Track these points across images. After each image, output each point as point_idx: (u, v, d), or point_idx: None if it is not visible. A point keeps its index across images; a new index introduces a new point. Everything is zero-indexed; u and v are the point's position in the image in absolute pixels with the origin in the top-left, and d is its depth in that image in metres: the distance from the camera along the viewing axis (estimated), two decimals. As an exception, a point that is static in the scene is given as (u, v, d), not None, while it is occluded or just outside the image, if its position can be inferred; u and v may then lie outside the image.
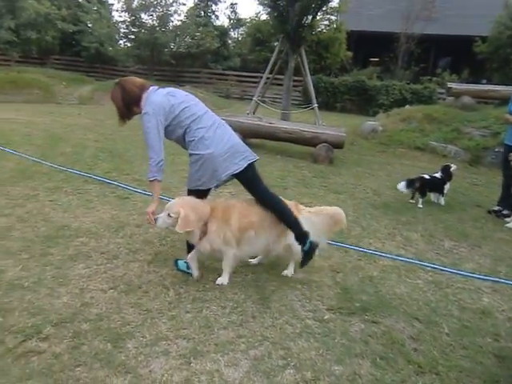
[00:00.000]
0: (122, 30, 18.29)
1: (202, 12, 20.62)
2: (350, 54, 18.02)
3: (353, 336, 2.63)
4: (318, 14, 9.13)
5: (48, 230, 3.77)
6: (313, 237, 3.17)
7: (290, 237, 3.18)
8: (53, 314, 2.59)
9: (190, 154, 3.10)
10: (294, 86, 11.49)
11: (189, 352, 2.35)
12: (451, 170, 5.54)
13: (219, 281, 3.14)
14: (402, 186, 5.58)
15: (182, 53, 18.05)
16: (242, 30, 22.18)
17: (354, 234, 4.40)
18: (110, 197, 4.75)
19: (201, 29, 18.66)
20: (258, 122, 7.68)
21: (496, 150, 7.89)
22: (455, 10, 18.03)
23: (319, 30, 14.97)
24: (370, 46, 17.61)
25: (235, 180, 3.33)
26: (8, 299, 2.72)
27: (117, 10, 18.16)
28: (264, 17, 19.19)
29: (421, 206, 5.42)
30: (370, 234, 4.41)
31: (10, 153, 6.09)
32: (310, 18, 8.75)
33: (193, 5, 20.70)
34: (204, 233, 3.00)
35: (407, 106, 11.25)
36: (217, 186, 3.24)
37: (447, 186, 5.54)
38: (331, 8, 14.27)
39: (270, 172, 6.53)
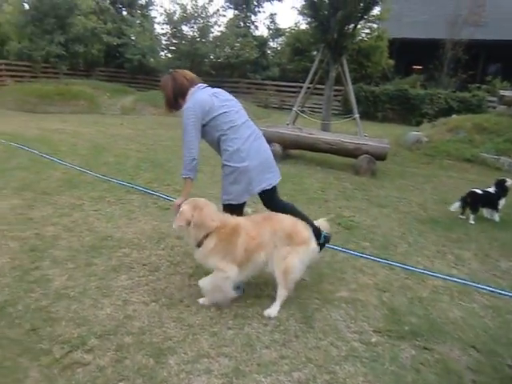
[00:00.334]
0: (164, 42, 18.77)
1: (242, 23, 20.83)
2: (391, 62, 17.59)
3: (403, 363, 2.47)
4: (360, 22, 8.92)
5: (92, 239, 3.85)
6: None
7: (295, 256, 2.89)
8: (97, 326, 2.61)
9: (224, 165, 3.06)
10: (334, 95, 11.32)
11: (231, 371, 2.30)
12: (507, 184, 5.18)
13: (202, 301, 2.95)
14: (456, 207, 5.25)
15: (222, 63, 18.29)
16: (280, 39, 22.23)
17: (401, 250, 4.20)
18: (152, 207, 4.80)
19: (240, 39, 18.85)
20: (298, 133, 7.58)
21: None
22: (506, 14, 17.29)
23: (360, 38, 14.73)
24: (412, 54, 17.12)
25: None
26: (55, 308, 2.78)
27: (159, 23, 18.70)
28: (303, 26, 19.22)
29: (472, 222, 5.10)
30: (418, 252, 4.20)
31: (58, 162, 6.31)
32: (351, 26, 8.60)
33: (233, 16, 20.99)
34: (199, 244, 2.84)
35: (454, 116, 10.79)
36: None
37: (502, 202, 5.19)
38: (372, 16, 14.00)
39: (311, 184, 6.41)
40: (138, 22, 19.72)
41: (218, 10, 17.71)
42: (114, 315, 2.75)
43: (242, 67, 19.16)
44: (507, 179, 5.26)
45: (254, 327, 2.74)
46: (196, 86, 3.09)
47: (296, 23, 20.49)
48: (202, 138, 3.10)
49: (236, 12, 21.68)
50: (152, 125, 11.56)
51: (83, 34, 15.64)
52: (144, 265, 3.47)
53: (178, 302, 2.95)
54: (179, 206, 2.90)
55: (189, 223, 2.79)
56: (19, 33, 15.19)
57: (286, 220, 3.00)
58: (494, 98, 12.34)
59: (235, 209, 3.12)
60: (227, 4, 21.51)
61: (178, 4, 16.89)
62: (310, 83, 9.26)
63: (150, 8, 22.97)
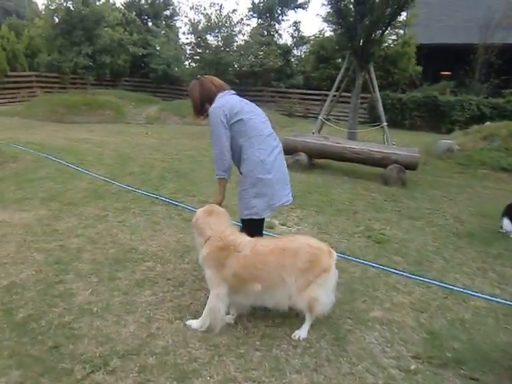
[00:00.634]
0: (188, 51, 18.94)
1: (266, 31, 20.84)
2: (419, 68, 17.17)
3: (447, 395, 2.27)
4: (387, 28, 8.71)
5: (116, 252, 3.78)
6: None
7: (316, 288, 2.65)
8: (120, 345, 2.52)
9: (246, 176, 2.92)
10: (360, 103, 11.11)
11: (259, 399, 2.15)
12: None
13: (189, 322, 2.78)
14: (508, 225, 4.82)
15: (246, 72, 18.30)
16: (305, 47, 22.13)
17: (436, 266, 3.97)
18: (176, 219, 4.71)
19: (264, 48, 18.83)
20: (325, 142, 7.41)
21: None
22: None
23: (386, 44, 14.45)
24: (441, 60, 16.62)
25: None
26: (78, 325, 2.70)
27: (183, 33, 18.94)
28: (328, 34, 19.08)
29: (513, 237, 4.80)
30: (456, 268, 3.95)
31: (84, 172, 6.33)
32: (378, 33, 8.40)
33: (256, 25, 21.04)
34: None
35: (488, 123, 10.36)
36: None
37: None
38: (399, 22, 13.73)
39: (338, 194, 6.22)
40: (162, 32, 20.01)
41: (241, 19, 17.76)
42: (137, 333, 2.65)
43: (265, 75, 19.14)
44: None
45: (283, 349, 2.59)
46: (224, 92, 3.02)
47: (320, 31, 20.40)
48: None
49: (260, 21, 21.74)
50: (176, 134, 11.59)
51: (110, 45, 15.94)
52: (168, 279, 3.37)
53: (204, 320, 2.83)
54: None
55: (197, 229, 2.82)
56: (49, 45, 15.63)
57: (303, 250, 2.66)
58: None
59: (256, 225, 3.03)
60: (251, 13, 21.60)
61: (202, 14, 17.01)
62: (336, 91, 9.09)
63: (175, 18, 23.34)
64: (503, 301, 3.33)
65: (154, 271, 3.49)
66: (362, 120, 14.19)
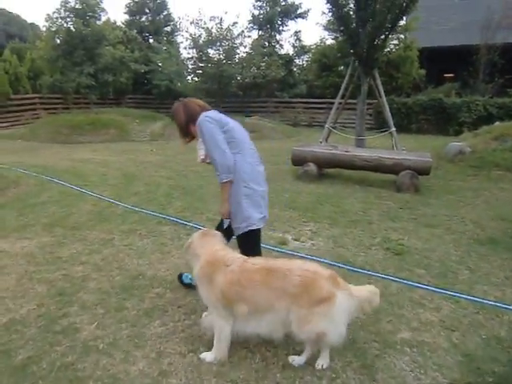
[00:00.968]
0: (190, 66, 18.97)
1: (267, 42, 20.86)
2: (422, 71, 17.01)
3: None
4: (391, 33, 8.55)
5: (123, 279, 3.58)
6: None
7: (322, 320, 2.31)
8: (128, 386, 2.30)
9: (240, 187, 2.81)
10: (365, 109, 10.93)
11: None
12: None
13: (203, 356, 2.56)
14: None
15: (248, 83, 18.26)
16: (306, 56, 22.08)
17: (462, 278, 3.73)
18: (185, 239, 4.43)
19: (266, 59, 18.82)
20: (334, 151, 7.21)
21: None
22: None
23: (388, 50, 14.34)
24: (443, 62, 16.51)
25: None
26: (82, 365, 2.50)
27: (185, 48, 18.98)
28: (329, 42, 19.04)
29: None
30: (483, 279, 3.71)
31: (88, 194, 6.17)
32: (381, 38, 8.24)
33: (257, 36, 21.04)
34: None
35: (497, 123, 10.10)
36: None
37: None
38: (400, 26, 13.62)
39: (351, 204, 5.99)
40: (164, 48, 20.10)
41: (242, 31, 17.80)
42: (147, 371, 2.44)
43: (269, 86, 19.10)
44: None
45: (307, 381, 2.37)
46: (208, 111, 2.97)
47: (321, 39, 20.36)
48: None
49: (260, 32, 21.76)
50: (181, 150, 11.44)
51: (112, 63, 15.98)
52: (179, 307, 3.16)
53: (218, 352, 2.61)
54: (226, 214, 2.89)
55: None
56: (51, 67, 15.69)
57: (294, 273, 2.35)
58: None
59: (253, 240, 2.96)
60: (251, 25, 21.63)
61: (202, 28, 17.03)
62: (342, 98, 8.91)
63: (176, 34, 23.46)
64: (542, 315, 3.08)
65: (163, 298, 3.29)
66: (369, 126, 14.00)
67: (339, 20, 8.43)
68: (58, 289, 3.39)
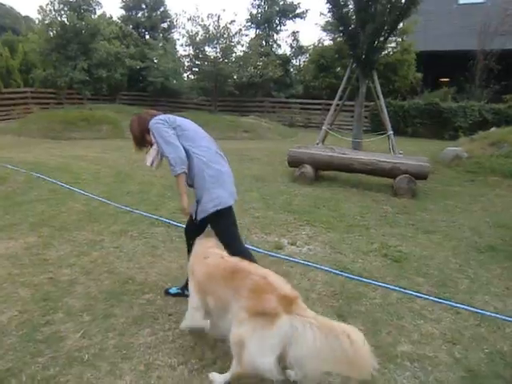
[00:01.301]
0: (186, 64, 18.77)
1: (264, 42, 20.72)
2: (419, 75, 16.98)
3: None
4: (390, 35, 8.44)
5: (112, 283, 3.43)
6: (306, 368, 2.05)
7: (249, 330, 2.10)
8: (114, 403, 2.15)
9: (204, 170, 2.80)
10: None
11: None
12: None
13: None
14: None
15: (245, 83, 18.12)
16: (304, 57, 21.99)
17: (462, 287, 3.62)
18: (177, 242, 4.36)
19: (263, 58, 18.68)
20: (331, 153, 7.09)
21: None
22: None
23: (385, 52, 14.27)
24: (440, 66, 16.49)
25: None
26: (65, 378, 2.35)
27: (181, 45, 18.76)
28: (327, 43, 18.94)
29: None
30: (483, 288, 3.61)
31: (79, 193, 5.99)
32: (381, 40, 8.13)
33: (255, 35, 20.90)
34: None
35: (493, 129, 10.08)
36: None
37: None
38: (398, 29, 13.57)
39: (348, 208, 5.88)
40: (160, 45, 19.87)
41: (240, 29, 17.62)
42: (134, 386, 2.29)
43: (265, 86, 18.98)
44: None
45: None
46: None
47: (319, 40, 20.27)
48: None
49: (258, 31, 21.63)
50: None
51: (106, 58, 15.69)
52: (170, 315, 3.01)
53: (211, 364, 2.48)
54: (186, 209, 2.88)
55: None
56: (44, 60, 15.35)
57: (252, 277, 2.22)
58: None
59: (227, 217, 2.89)
60: (249, 24, 21.49)
61: (200, 25, 16.83)
62: (339, 100, 8.80)
63: (173, 31, 23.24)
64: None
65: (153, 305, 3.14)
66: (364, 128, 13.91)
67: (339, 20, 8.31)
68: (43, 293, 3.22)
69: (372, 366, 1.95)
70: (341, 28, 8.49)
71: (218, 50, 16.90)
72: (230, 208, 2.90)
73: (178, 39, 23.64)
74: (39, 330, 2.76)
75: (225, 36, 16.73)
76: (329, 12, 8.34)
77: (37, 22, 15.82)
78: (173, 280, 3.52)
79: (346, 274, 3.77)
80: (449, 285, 3.67)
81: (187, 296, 2.75)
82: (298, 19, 22.14)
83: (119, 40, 18.10)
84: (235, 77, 17.95)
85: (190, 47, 17.43)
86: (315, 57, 18.62)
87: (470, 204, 6.37)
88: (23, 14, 38.78)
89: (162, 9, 23.27)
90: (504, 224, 5.34)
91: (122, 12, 23.33)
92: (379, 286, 3.58)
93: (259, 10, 21.61)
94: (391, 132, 7.93)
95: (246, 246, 3.02)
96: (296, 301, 2.10)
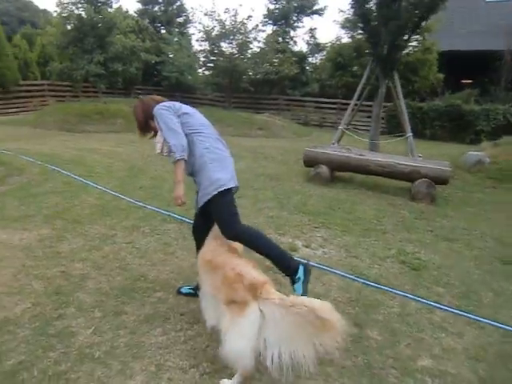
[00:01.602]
0: (202, 59, 18.71)
1: (281, 38, 20.53)
2: (440, 76, 16.40)
3: None
4: (415, 32, 8.16)
5: (123, 280, 3.37)
6: (274, 348, 2.05)
7: (225, 321, 2.18)
8: (124, 405, 2.09)
9: (206, 153, 2.75)
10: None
11: None
12: None
13: None
14: None
15: (260, 79, 17.99)
16: (320, 55, 21.75)
17: (486, 301, 3.48)
18: (190, 240, 4.21)
19: (279, 55, 18.52)
20: (348, 154, 6.94)
21: None
22: None
23: (405, 51, 13.89)
24: (463, 67, 15.87)
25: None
26: (76, 375, 2.30)
27: (197, 40, 18.66)
28: (345, 40, 18.67)
29: None
30: (509, 303, 3.46)
31: (92, 186, 5.96)
32: (404, 38, 7.92)
33: (271, 31, 20.73)
34: None
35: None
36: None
37: None
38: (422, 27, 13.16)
39: (364, 211, 5.75)
40: (175, 39, 19.83)
41: (257, 25, 17.48)
42: (145, 389, 2.23)
43: (280, 83, 18.81)
44: None
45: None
46: None
47: (337, 37, 20.01)
48: None
49: (275, 27, 21.45)
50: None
51: (122, 52, 15.67)
52: (182, 314, 2.94)
53: (223, 369, 2.39)
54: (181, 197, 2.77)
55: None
56: (61, 53, 15.39)
57: (226, 268, 2.32)
58: None
59: (226, 201, 2.75)
60: (266, 20, 21.33)
61: (216, 20, 16.73)
62: (358, 100, 8.63)
63: (188, 25, 23.20)
64: None
65: (165, 304, 3.07)
66: (380, 130, 13.71)
67: (360, 17, 8.10)
68: (55, 287, 3.18)
69: (341, 326, 1.99)
70: (361, 25, 8.28)
71: (234, 46, 16.79)
72: (230, 191, 2.81)
73: (194, 34, 23.56)
74: (51, 324, 2.72)
75: (241, 32, 16.61)
76: (351, 8, 8.12)
77: (55, 15, 15.86)
78: (185, 279, 3.45)
79: (363, 280, 3.65)
80: (471, 297, 3.52)
81: (199, 296, 2.69)
82: (315, 16, 21.92)
83: (135, 34, 18.05)
84: (250, 73, 17.82)
85: (206, 42, 17.36)
86: (332, 55, 18.34)
87: (492, 212, 6.17)
88: (41, 7, 39.17)
89: (178, 3, 23.25)
90: (529, 234, 5.17)
91: (139, 6, 23.43)
92: (397, 294, 3.45)
93: (277, 6, 21.43)
94: (410, 134, 7.73)
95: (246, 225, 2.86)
96: (264, 286, 2.16)
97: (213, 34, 16.77)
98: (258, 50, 17.88)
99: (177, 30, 22.43)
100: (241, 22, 16.64)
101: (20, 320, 2.74)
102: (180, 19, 23.68)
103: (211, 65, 18.07)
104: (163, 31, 22.29)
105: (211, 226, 2.86)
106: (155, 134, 2.96)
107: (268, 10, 21.50)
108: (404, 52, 11.24)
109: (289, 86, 19.39)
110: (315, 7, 21.53)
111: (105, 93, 17.02)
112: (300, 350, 1.99)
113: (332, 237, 4.71)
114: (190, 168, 2.80)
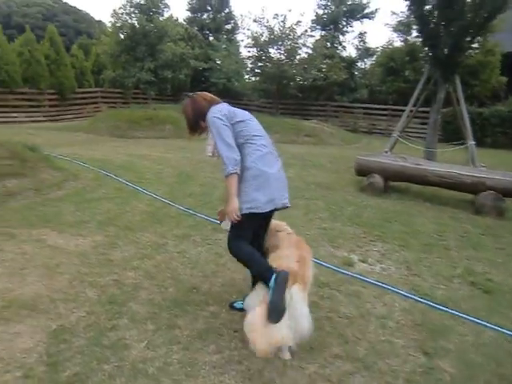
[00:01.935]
0: (249, 65, 18.76)
1: (329, 43, 20.20)
2: (503, 79, 15.38)
3: None
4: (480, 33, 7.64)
5: (176, 291, 3.28)
6: None
7: None
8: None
9: (249, 168, 2.68)
10: (427, 117, 10.11)
11: None
12: None
13: None
14: None
15: (308, 85, 17.77)
16: (370, 59, 21.19)
17: None
18: None
19: (327, 60, 18.22)
20: (403, 163, 6.59)
21: None
22: None
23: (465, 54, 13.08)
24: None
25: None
26: (129, 393, 2.19)
27: (245, 46, 18.74)
28: (397, 44, 18.07)
29: None
30: None
31: (143, 192, 6.00)
32: (468, 39, 7.44)
33: (320, 37, 20.44)
34: None
35: None
36: None
37: None
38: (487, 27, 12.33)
39: (422, 224, 5.39)
40: (223, 46, 20.04)
41: (306, 30, 17.30)
42: (199, 414, 2.09)
43: (328, 89, 18.50)
44: None
45: None
46: (217, 104, 2.92)
47: (389, 41, 19.40)
48: None
49: (323, 33, 21.16)
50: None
51: (172, 59, 16.05)
52: (235, 331, 2.79)
53: (280, 395, 2.23)
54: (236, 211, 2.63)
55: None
56: (114, 62, 16.00)
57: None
58: None
59: (252, 223, 2.71)
60: (314, 25, 21.09)
61: (265, 26, 16.72)
62: (413, 106, 8.22)
63: (237, 32, 23.40)
64: None
65: (218, 319, 2.94)
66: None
67: (418, 19, 7.71)
68: (109, 296, 3.14)
69: None
70: (419, 27, 7.88)
71: (283, 52, 16.69)
72: (261, 215, 2.69)
73: (242, 40, 23.73)
74: (105, 335, 2.66)
75: (290, 37, 16.49)
76: (407, 10, 7.76)
77: (109, 25, 16.52)
78: (237, 292, 3.30)
79: (428, 302, 3.36)
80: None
81: None
82: (365, 20, 21.40)
83: (184, 41, 18.46)
84: (298, 79, 17.65)
85: (254, 48, 17.38)
86: (383, 59, 17.78)
87: None
88: (97, 18, 41.17)
89: (226, 10, 23.53)
90: None
91: (188, 14, 23.93)
92: (471, 320, 3.13)
93: (325, 11, 21.14)
94: (473, 142, 7.24)
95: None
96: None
97: (261, 39, 16.77)
98: (306, 55, 17.66)
99: (225, 36, 22.69)
100: (289, 27, 16.53)
101: (75, 329, 2.71)
102: (228, 26, 23.97)
103: (259, 71, 18.09)
104: (211, 38, 22.61)
105: (260, 233, 2.86)
106: (201, 133, 2.95)
107: (317, 14, 21.26)
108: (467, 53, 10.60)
109: (337, 92, 19.02)
110: (366, 11, 21.01)
111: (154, 99, 17.48)
112: None
113: (390, 252, 4.42)
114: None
